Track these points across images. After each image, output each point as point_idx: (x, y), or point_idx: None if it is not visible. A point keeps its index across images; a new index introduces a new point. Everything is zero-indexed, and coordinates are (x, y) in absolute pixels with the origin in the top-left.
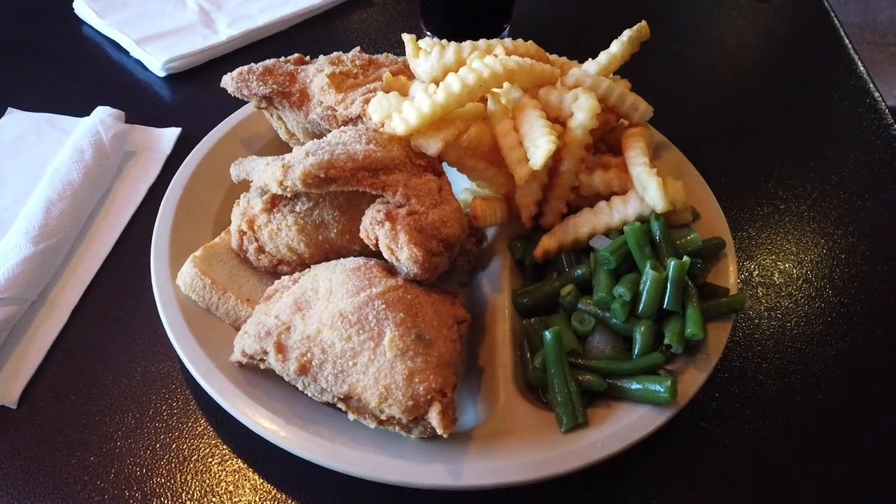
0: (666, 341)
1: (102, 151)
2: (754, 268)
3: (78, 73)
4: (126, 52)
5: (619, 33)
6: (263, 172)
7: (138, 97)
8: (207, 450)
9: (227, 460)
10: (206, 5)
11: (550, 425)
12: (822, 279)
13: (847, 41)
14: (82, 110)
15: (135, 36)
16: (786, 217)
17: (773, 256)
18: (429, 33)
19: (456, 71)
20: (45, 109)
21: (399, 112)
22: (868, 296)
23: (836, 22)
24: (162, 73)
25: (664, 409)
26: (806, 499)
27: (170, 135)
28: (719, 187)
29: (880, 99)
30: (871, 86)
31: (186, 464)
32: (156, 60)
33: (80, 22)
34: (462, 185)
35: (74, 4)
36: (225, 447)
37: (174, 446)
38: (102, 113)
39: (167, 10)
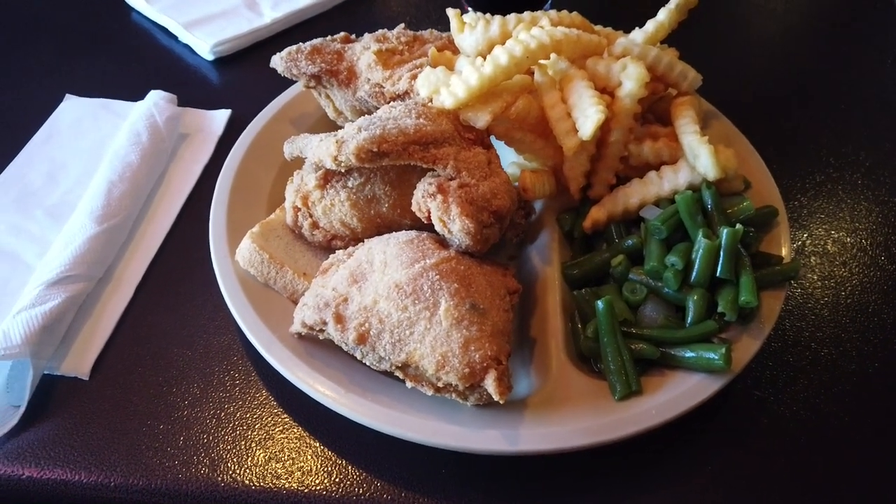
0: (719, 309)
1: (158, 134)
2: (807, 237)
3: (130, 59)
4: (175, 38)
5: (662, 3)
6: (317, 148)
7: (188, 81)
8: (270, 418)
9: (289, 428)
10: None
11: (604, 393)
12: (876, 248)
13: None
14: (136, 95)
15: (182, 20)
16: (839, 186)
17: (827, 225)
18: (470, 8)
19: (501, 44)
20: (100, 95)
21: (447, 86)
22: None
23: None
24: (210, 57)
25: (718, 376)
26: (861, 468)
27: (221, 116)
28: (770, 156)
29: None
30: None
31: (250, 432)
32: (204, 44)
33: (130, 9)
34: (509, 159)
35: None
36: (286, 416)
37: (238, 415)
38: (156, 97)
39: None
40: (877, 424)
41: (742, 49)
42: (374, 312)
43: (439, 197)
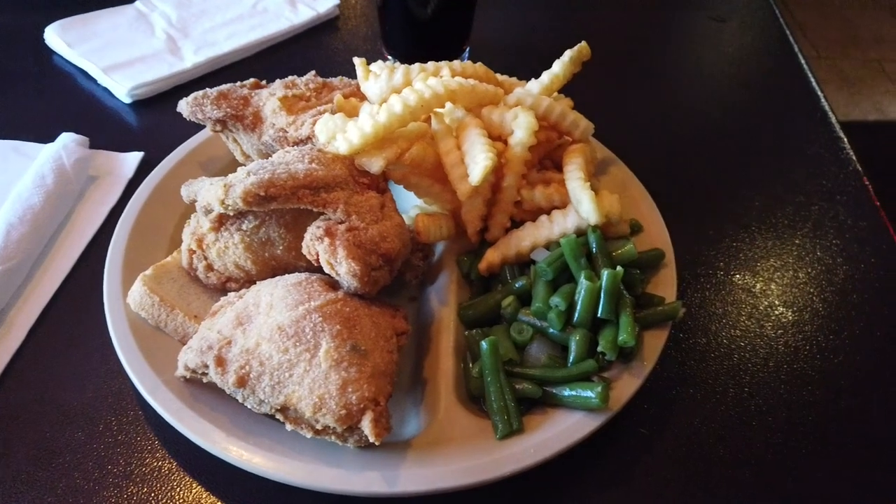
0: (599, 349)
1: (64, 176)
2: (699, 278)
3: (47, 101)
4: (94, 81)
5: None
6: (206, 192)
7: (105, 123)
8: (156, 463)
9: (175, 472)
10: (173, 33)
11: (488, 433)
12: (763, 291)
13: (801, 58)
14: (50, 137)
15: (102, 64)
16: (730, 230)
17: (717, 266)
18: (390, 57)
19: None
20: (16, 136)
21: (343, 132)
22: (811, 305)
23: (791, 39)
24: (128, 100)
25: (598, 414)
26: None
27: (132, 159)
28: (667, 201)
29: (831, 113)
30: (823, 101)
31: (133, 476)
32: (122, 87)
33: (51, 52)
34: (413, 203)
35: (45, 35)
36: (173, 461)
37: (122, 461)
38: (66, 139)
39: (136, 39)
40: (755, 461)
41: (647, 99)
42: (255, 355)
43: (326, 240)
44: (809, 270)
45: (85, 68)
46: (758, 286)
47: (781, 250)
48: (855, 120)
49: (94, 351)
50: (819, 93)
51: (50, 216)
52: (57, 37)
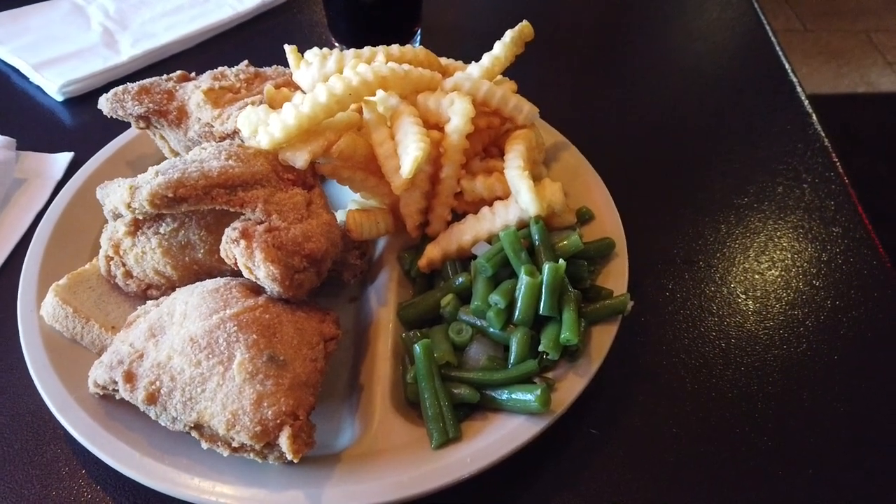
0: (541, 348)
1: None
2: (656, 266)
3: None
4: (26, 78)
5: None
6: (113, 195)
7: (35, 123)
8: (75, 486)
9: (95, 495)
10: (110, 26)
11: (424, 442)
12: (725, 276)
13: (769, 31)
14: None
15: (33, 61)
16: (691, 213)
17: (676, 253)
18: (337, 44)
19: None
20: None
21: (266, 125)
22: (773, 292)
23: (759, 12)
24: (60, 98)
25: (540, 418)
26: None
27: (62, 160)
28: (623, 186)
29: (799, 88)
30: (792, 75)
31: (50, 501)
32: (53, 85)
33: None
34: (353, 196)
35: None
36: (93, 484)
37: (38, 485)
38: None
39: (70, 34)
40: (711, 459)
41: (606, 80)
42: (166, 369)
43: (243, 242)
44: (772, 255)
45: (15, 65)
46: (718, 274)
47: (743, 234)
48: (843, 93)
49: (13, 366)
50: (787, 66)
51: None
52: None
